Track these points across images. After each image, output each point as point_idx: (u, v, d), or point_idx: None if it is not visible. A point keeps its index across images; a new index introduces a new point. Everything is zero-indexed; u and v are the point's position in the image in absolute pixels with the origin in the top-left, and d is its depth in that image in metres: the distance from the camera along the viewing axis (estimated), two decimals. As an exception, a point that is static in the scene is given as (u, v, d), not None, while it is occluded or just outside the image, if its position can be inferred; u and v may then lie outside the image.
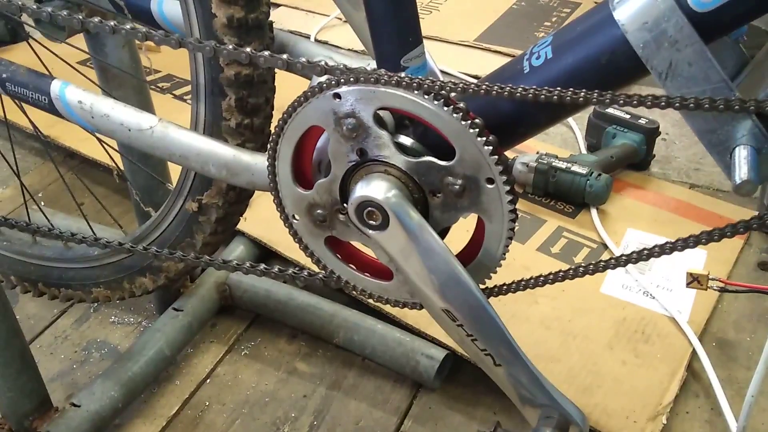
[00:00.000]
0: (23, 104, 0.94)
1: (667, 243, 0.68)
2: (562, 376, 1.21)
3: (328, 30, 2.21)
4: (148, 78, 1.93)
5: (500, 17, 2.30)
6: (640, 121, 1.68)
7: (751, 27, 0.67)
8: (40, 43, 1.05)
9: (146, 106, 1.12)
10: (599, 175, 1.55)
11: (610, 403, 1.16)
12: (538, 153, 1.61)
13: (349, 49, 2.02)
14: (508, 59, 0.79)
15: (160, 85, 1.92)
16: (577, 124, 1.83)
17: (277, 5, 2.44)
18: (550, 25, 2.23)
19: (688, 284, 1.03)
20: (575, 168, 1.56)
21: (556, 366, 1.23)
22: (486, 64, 2.06)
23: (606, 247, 1.47)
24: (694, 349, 1.25)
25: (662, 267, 1.41)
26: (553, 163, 1.57)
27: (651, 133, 1.67)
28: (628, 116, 1.69)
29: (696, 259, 1.44)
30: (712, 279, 1.01)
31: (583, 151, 1.76)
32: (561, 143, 1.81)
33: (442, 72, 1.98)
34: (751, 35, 0.72)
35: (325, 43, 2.21)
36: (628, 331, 1.29)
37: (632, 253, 0.70)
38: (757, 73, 0.64)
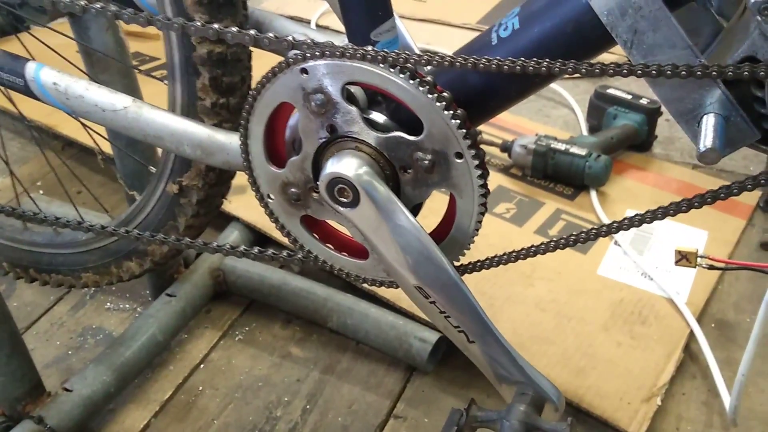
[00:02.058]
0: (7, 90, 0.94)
1: (659, 208, 0.67)
2: (556, 358, 1.20)
3: (329, 15, 2.19)
4: (144, 66, 1.95)
5: (503, -1, 2.27)
6: (641, 101, 1.65)
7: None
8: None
9: (133, 90, 1.12)
10: (598, 156, 1.53)
11: (603, 385, 1.15)
12: (537, 135, 1.59)
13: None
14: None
15: (156, 73, 1.90)
16: (578, 105, 1.81)
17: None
18: (554, 7, 2.19)
19: (677, 262, 1.01)
20: (574, 149, 1.54)
21: (550, 348, 1.21)
22: (488, 47, 2.03)
23: (604, 228, 1.45)
24: (692, 330, 1.24)
25: (661, 248, 1.39)
26: (552, 145, 1.55)
27: (652, 114, 1.64)
28: (629, 96, 1.67)
29: (697, 239, 1.42)
30: (701, 257, 0.99)
31: (585, 132, 1.73)
32: (562, 125, 1.78)
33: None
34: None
35: (326, 28, 2.20)
36: (625, 313, 1.27)
37: (624, 219, 0.69)
38: (728, 40, 0.62)
